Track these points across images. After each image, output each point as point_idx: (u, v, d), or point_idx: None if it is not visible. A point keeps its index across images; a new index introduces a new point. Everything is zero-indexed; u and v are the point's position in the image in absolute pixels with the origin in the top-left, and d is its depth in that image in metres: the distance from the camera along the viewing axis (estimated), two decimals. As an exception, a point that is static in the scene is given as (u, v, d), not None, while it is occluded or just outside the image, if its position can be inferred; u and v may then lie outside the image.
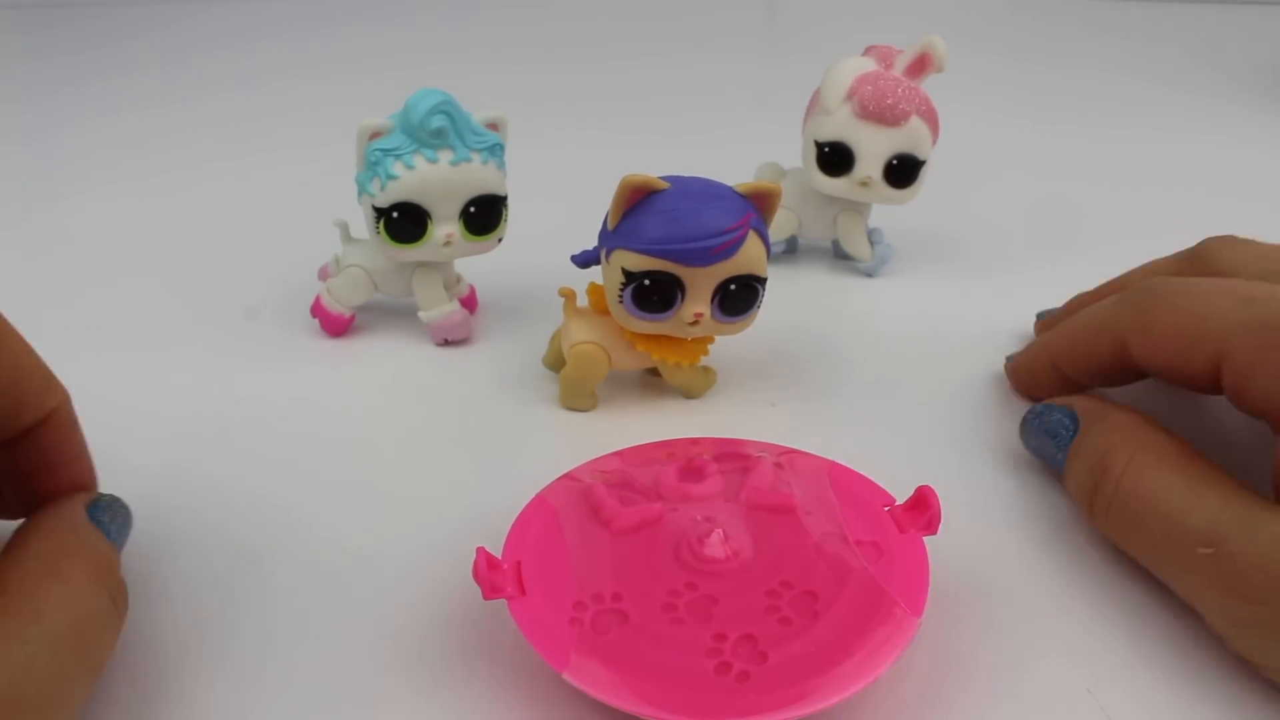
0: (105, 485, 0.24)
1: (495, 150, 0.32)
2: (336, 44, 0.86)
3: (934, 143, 0.38)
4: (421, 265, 0.34)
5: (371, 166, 0.31)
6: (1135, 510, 0.23)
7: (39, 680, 0.18)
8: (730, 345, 0.33)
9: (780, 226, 0.40)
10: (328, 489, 0.28)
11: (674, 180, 0.28)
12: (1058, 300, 0.34)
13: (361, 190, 0.32)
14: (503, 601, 0.21)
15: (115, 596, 0.20)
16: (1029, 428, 0.28)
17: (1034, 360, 0.31)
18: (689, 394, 0.32)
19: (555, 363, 0.33)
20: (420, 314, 0.35)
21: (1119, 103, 0.68)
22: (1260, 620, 0.20)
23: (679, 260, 0.27)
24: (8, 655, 0.17)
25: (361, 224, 0.33)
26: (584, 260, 0.30)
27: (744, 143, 0.47)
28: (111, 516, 0.22)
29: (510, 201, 0.33)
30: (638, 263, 0.28)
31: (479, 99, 0.32)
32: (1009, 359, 0.33)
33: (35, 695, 0.17)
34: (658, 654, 0.20)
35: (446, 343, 0.35)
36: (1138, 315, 0.26)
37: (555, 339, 0.33)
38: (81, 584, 0.20)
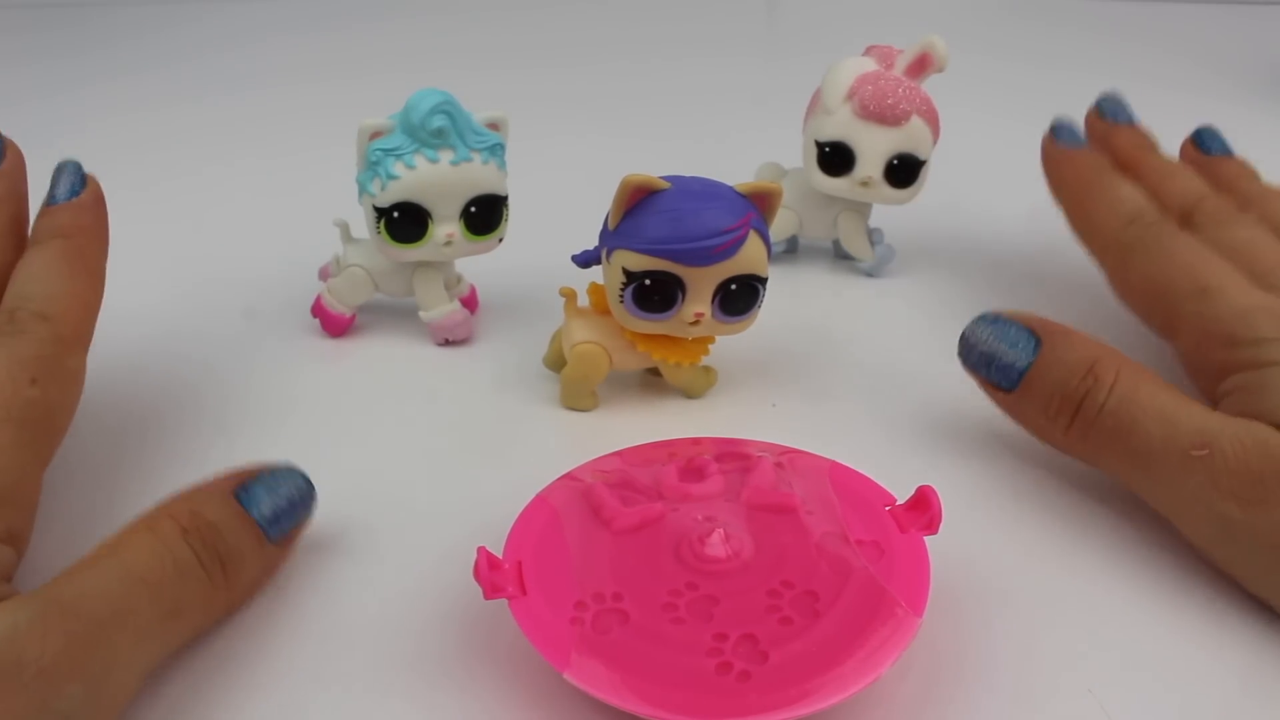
0: (101, 484, 0.24)
1: (496, 150, 0.32)
2: (337, 45, 0.86)
3: (934, 143, 0.38)
4: (422, 265, 0.34)
5: (372, 166, 0.31)
6: (1128, 418, 0.24)
7: (97, 600, 0.18)
8: (730, 345, 0.33)
9: (781, 226, 0.40)
10: (327, 489, 0.28)
11: (675, 180, 0.28)
12: (1059, 299, 0.34)
13: (362, 190, 0.32)
14: (503, 601, 0.21)
15: (204, 556, 0.21)
16: (979, 337, 0.27)
17: (1081, 179, 0.34)
18: (689, 394, 0.32)
19: (555, 363, 0.33)
20: (420, 314, 0.35)
21: (1119, 103, 0.68)
22: (1252, 524, 0.22)
23: (679, 260, 0.27)
24: (80, 574, 0.19)
25: (362, 224, 0.33)
26: (584, 260, 0.30)
27: (744, 143, 0.47)
28: (259, 486, 0.23)
29: (511, 201, 0.33)
30: (638, 262, 0.28)
31: (479, 99, 0.32)
32: (1062, 133, 0.36)
33: (90, 612, 0.18)
34: (658, 654, 0.20)
35: (447, 343, 0.35)
36: (1119, 256, 0.30)
37: (556, 339, 0.33)
38: (165, 534, 0.21)
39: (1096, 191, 0.32)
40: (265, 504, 0.22)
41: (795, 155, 0.39)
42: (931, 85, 0.37)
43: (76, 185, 0.28)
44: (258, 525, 0.22)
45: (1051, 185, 0.35)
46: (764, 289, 0.29)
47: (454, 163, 0.31)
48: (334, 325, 0.35)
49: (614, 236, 0.28)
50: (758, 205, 0.28)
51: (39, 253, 0.26)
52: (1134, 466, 0.24)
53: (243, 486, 0.23)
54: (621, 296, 0.28)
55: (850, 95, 0.37)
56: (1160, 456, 0.23)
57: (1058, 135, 0.36)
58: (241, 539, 0.22)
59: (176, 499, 0.22)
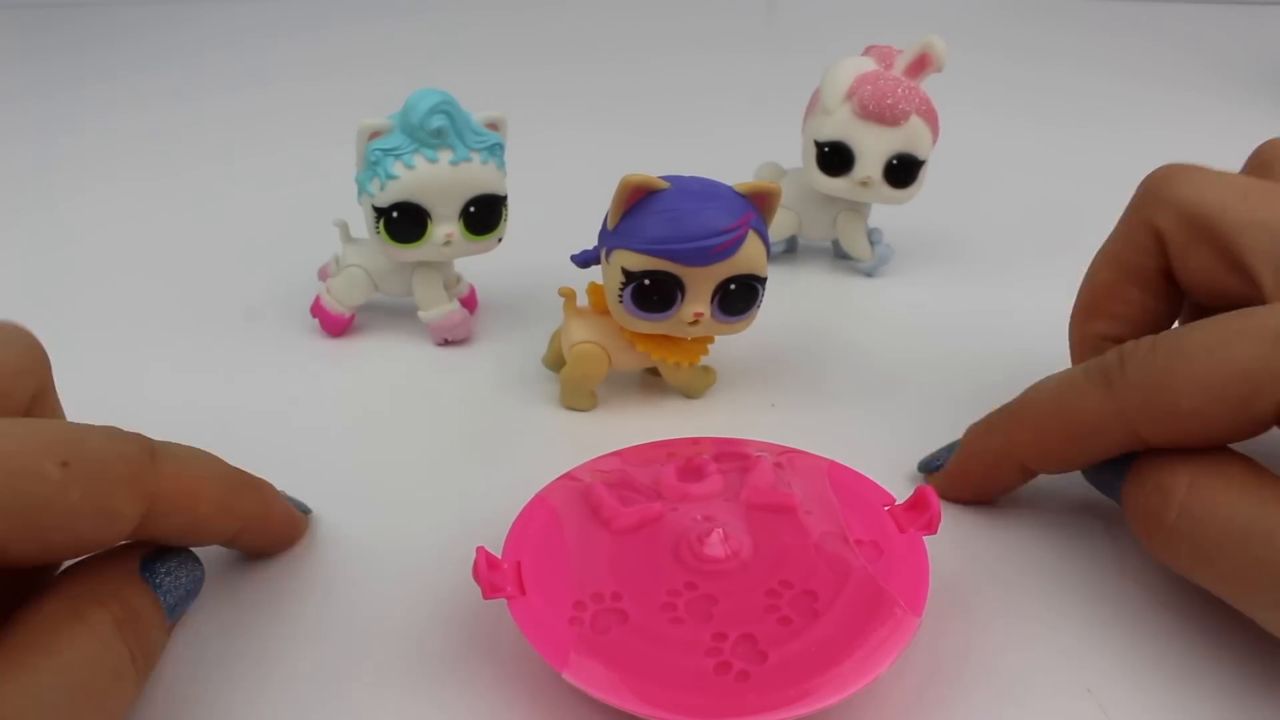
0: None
1: (495, 150, 0.32)
2: (336, 44, 0.86)
3: (934, 142, 0.38)
4: (421, 265, 0.34)
5: (371, 166, 0.31)
6: (1206, 539, 0.20)
7: (43, 714, 0.17)
8: (730, 345, 0.33)
9: (780, 226, 0.40)
10: (327, 489, 0.28)
11: (674, 180, 0.28)
12: (1058, 299, 0.34)
13: (361, 190, 0.32)
14: (502, 601, 0.21)
15: (136, 651, 0.19)
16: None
17: (986, 463, 0.26)
18: (689, 394, 0.32)
19: (555, 363, 0.33)
20: (420, 314, 0.35)
21: (1119, 103, 0.68)
22: None
23: (679, 260, 0.27)
24: (14, 681, 0.17)
25: (361, 224, 0.33)
26: (584, 260, 0.30)
27: (744, 143, 0.47)
28: (168, 571, 0.21)
29: (510, 201, 0.33)
30: (637, 262, 0.28)
31: (479, 99, 0.32)
32: (928, 469, 0.28)
33: None
34: (657, 653, 0.20)
35: (446, 343, 0.35)
36: (1149, 399, 0.21)
37: (555, 339, 0.33)
38: (102, 631, 0.18)
39: (1050, 410, 0.24)
40: (169, 587, 0.20)
41: (795, 155, 0.39)
42: (931, 85, 0.37)
43: (300, 506, 0.26)
44: (163, 609, 0.20)
45: (985, 488, 0.27)
46: (763, 289, 0.29)
47: (453, 163, 0.31)
48: (333, 325, 0.36)
49: (613, 236, 0.28)
50: (757, 205, 0.28)
51: (223, 461, 0.22)
52: (1227, 588, 0.20)
53: (148, 563, 0.20)
54: (621, 296, 0.28)
55: (849, 95, 0.37)
56: (1252, 583, 0.20)
57: (931, 468, 0.28)
58: (156, 627, 0.20)
59: (92, 575, 0.19)
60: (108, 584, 0.19)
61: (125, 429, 0.20)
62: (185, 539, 0.21)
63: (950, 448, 0.27)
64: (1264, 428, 0.21)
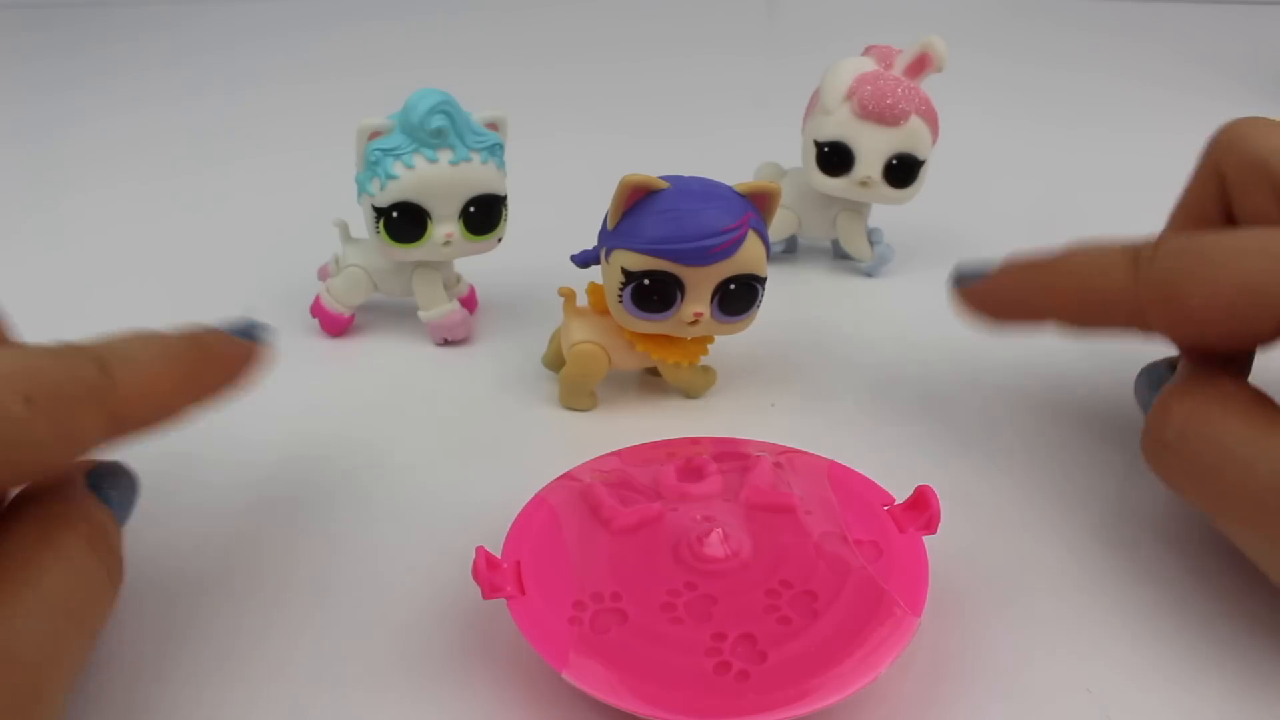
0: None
1: (495, 150, 0.32)
2: (336, 44, 0.86)
3: (934, 142, 0.38)
4: (421, 265, 0.34)
5: (371, 166, 0.31)
6: (1194, 458, 0.22)
7: (33, 643, 0.17)
8: (730, 345, 0.33)
9: (780, 226, 0.40)
10: (327, 489, 0.28)
11: (674, 180, 0.28)
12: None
13: (361, 190, 0.32)
14: (502, 601, 0.21)
15: (110, 565, 0.20)
16: (1141, 381, 0.27)
17: (1008, 290, 0.27)
18: (689, 394, 0.32)
19: (555, 362, 0.33)
20: (420, 314, 0.35)
21: (1118, 103, 0.68)
22: None
23: (678, 260, 0.27)
24: (2, 617, 0.17)
25: (361, 224, 0.33)
26: (584, 260, 0.30)
27: (744, 143, 0.47)
28: (113, 483, 0.21)
29: (510, 201, 0.33)
30: (637, 262, 0.28)
31: (479, 99, 0.32)
32: (962, 279, 0.28)
33: (29, 658, 0.17)
34: (657, 653, 0.20)
35: (446, 343, 0.35)
36: (1162, 291, 0.23)
37: (555, 339, 0.33)
38: (76, 552, 0.19)
39: (1066, 263, 0.26)
40: (117, 501, 0.21)
41: (795, 155, 0.39)
42: (931, 85, 0.37)
43: (251, 331, 0.25)
44: (114, 515, 0.21)
45: (997, 314, 0.28)
46: (763, 289, 0.29)
47: (453, 162, 0.31)
48: (333, 325, 0.36)
49: (613, 236, 0.28)
50: (756, 205, 0.28)
51: (162, 334, 0.22)
52: (1211, 507, 0.22)
53: (94, 481, 0.21)
54: (620, 296, 0.28)
55: (849, 95, 0.37)
56: (1233, 502, 0.21)
57: (961, 280, 0.29)
58: (118, 538, 0.20)
59: (49, 499, 0.20)
60: (69, 505, 0.20)
61: (71, 343, 0.20)
62: (158, 427, 0.21)
63: (986, 264, 0.28)
64: (1257, 341, 0.22)
